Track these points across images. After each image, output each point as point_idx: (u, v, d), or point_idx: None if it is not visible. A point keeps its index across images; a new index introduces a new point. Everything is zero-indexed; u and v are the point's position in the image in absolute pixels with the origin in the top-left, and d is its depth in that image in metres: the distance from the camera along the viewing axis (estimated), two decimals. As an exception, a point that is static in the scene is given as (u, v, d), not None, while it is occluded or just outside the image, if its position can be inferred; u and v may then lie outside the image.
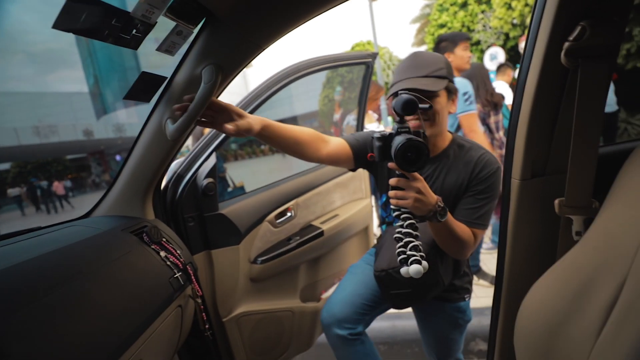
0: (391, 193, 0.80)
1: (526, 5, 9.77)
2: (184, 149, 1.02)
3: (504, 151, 0.87)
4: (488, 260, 2.56)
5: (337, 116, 3.73)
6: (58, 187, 16.47)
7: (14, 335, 0.49)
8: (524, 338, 0.62)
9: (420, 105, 0.79)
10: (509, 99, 2.69)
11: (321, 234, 1.44)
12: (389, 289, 1.02)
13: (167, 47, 0.68)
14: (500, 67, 3.35)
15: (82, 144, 24.28)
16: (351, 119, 3.10)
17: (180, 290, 0.88)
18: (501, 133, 2.32)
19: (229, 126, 0.75)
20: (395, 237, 0.78)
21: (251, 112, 1.21)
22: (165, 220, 1.09)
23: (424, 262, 0.72)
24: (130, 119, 27.05)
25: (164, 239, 0.93)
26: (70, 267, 0.66)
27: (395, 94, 0.91)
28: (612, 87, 4.13)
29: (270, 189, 1.40)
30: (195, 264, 1.01)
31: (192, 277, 0.94)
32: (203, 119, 0.76)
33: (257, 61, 0.83)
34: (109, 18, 0.55)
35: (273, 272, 1.35)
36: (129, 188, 0.96)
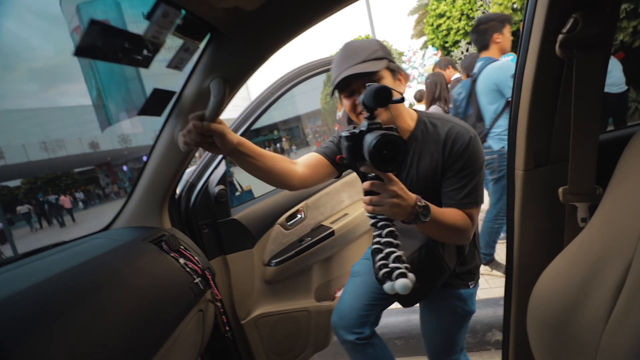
0: (365, 199, 0.72)
1: (525, -11, 9.61)
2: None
3: None
4: (501, 251, 2.55)
5: (339, 113, 3.75)
6: (65, 201, 16.85)
7: (55, 343, 0.52)
8: (536, 326, 0.64)
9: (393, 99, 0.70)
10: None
11: (332, 233, 1.47)
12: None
13: (176, 63, 0.71)
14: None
15: (89, 156, 24.68)
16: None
17: (200, 295, 0.92)
18: None
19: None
20: (374, 249, 0.71)
21: (257, 118, 1.24)
22: (180, 228, 1.12)
23: (410, 275, 0.65)
24: (134, 129, 27.38)
25: (182, 247, 0.97)
26: (99, 277, 0.70)
27: (350, 91, 0.89)
28: (619, 67, 4.06)
29: (279, 192, 1.43)
30: (213, 269, 1.04)
31: (211, 282, 0.97)
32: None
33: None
34: (123, 42, 0.58)
35: (287, 274, 1.38)
36: (145, 199, 0.99)
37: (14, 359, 0.47)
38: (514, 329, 0.88)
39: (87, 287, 0.66)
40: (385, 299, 1.13)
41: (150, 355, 0.68)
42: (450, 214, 0.86)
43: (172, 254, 0.91)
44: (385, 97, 0.64)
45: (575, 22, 0.58)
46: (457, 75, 3.35)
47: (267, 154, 0.89)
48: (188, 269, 0.92)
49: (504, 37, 2.05)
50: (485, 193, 2.62)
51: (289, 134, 34.10)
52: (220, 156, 1.19)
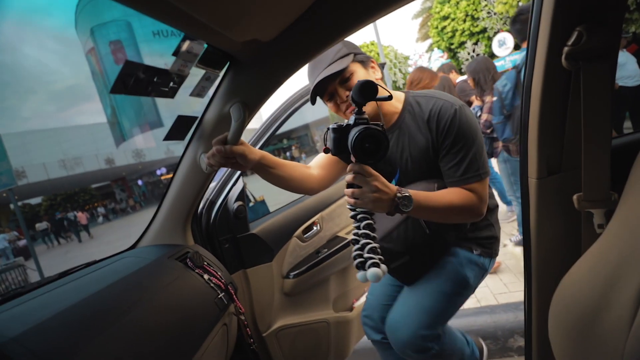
0: (347, 191, 0.74)
1: (529, -13, 9.55)
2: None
3: None
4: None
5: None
6: (82, 217, 17.29)
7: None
8: (559, 332, 0.64)
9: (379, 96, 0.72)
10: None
11: (348, 244, 1.49)
12: (387, 265, 0.98)
13: (198, 91, 0.76)
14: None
15: (105, 172, 25.37)
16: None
17: (224, 309, 0.95)
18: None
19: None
20: (352, 240, 0.73)
21: (272, 134, 1.28)
22: (202, 244, 1.16)
23: (383, 266, 0.68)
24: (147, 144, 28.07)
25: (205, 263, 1.00)
26: (131, 295, 0.74)
27: (329, 94, 0.93)
28: (634, 59, 4.00)
29: (295, 205, 1.46)
30: (235, 283, 1.07)
31: (234, 296, 1.01)
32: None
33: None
34: (152, 77, 0.63)
35: (305, 285, 1.40)
36: (170, 218, 1.04)
37: None
38: (536, 335, 0.87)
39: (121, 306, 0.70)
40: (397, 294, 1.14)
41: None
42: (442, 195, 0.85)
43: (197, 271, 0.95)
44: (369, 91, 0.67)
45: (580, 35, 0.59)
46: (461, 78, 3.40)
47: (287, 162, 0.94)
48: (212, 285, 0.95)
49: None
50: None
51: (299, 142, 34.39)
52: (238, 173, 1.24)
